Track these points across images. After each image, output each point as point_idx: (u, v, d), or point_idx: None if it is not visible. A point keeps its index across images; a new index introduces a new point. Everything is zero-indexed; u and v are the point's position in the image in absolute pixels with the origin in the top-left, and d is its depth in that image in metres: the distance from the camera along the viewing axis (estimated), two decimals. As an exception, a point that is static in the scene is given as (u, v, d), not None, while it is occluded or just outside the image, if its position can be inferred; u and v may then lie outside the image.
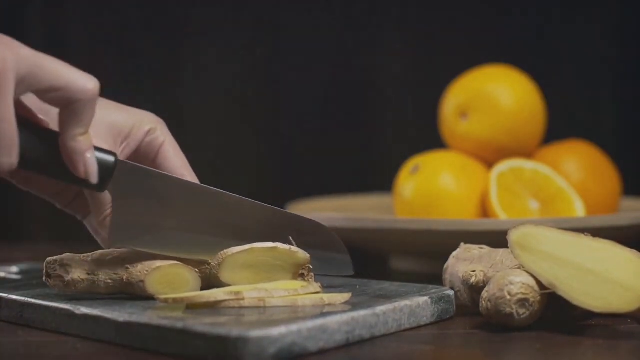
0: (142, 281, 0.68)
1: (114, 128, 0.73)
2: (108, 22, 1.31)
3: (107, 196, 0.70)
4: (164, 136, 0.75)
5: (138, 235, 0.69)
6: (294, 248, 0.70)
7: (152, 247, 0.70)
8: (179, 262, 0.69)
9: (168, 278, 0.68)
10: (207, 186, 0.72)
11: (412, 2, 1.30)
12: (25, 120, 0.65)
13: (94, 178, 0.66)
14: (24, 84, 0.63)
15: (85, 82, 0.64)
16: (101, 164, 0.66)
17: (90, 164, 0.66)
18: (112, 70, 1.30)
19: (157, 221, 0.69)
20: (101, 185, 0.67)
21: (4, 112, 0.62)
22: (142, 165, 0.70)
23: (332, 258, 0.74)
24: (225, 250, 0.69)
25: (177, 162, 0.75)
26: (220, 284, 0.69)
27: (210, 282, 0.70)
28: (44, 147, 0.65)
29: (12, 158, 0.62)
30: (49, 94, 0.63)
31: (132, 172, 0.69)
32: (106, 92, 0.75)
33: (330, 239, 0.74)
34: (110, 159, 0.67)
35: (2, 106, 0.61)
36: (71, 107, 0.64)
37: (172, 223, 0.69)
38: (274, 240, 0.70)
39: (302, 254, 0.70)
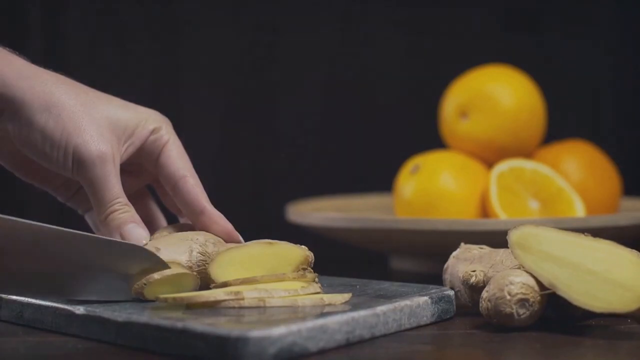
0: (141, 293, 0.67)
1: (117, 126, 0.73)
2: (107, 21, 1.31)
3: (109, 194, 0.71)
4: (168, 135, 0.75)
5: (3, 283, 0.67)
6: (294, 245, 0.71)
7: (17, 293, 0.68)
8: (176, 269, 0.69)
9: (166, 285, 0.68)
10: (48, 226, 0.67)
11: (412, 1, 1.30)
12: None
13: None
14: None
15: None
16: None
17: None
18: (111, 69, 1.30)
19: (15, 267, 0.66)
20: None
21: None
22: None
23: None
24: (218, 249, 0.69)
25: (179, 163, 0.75)
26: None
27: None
28: None
29: None
30: None
31: None
32: (106, 91, 0.76)
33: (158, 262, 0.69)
34: None
35: None
36: None
37: (28, 267, 0.66)
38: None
39: (301, 250, 0.70)
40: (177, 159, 0.75)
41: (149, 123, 0.74)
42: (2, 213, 0.65)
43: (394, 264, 1.00)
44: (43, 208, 1.25)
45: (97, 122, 0.71)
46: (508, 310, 0.65)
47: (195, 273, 0.69)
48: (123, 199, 0.71)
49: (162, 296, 0.66)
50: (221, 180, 1.28)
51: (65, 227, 0.66)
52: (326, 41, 1.31)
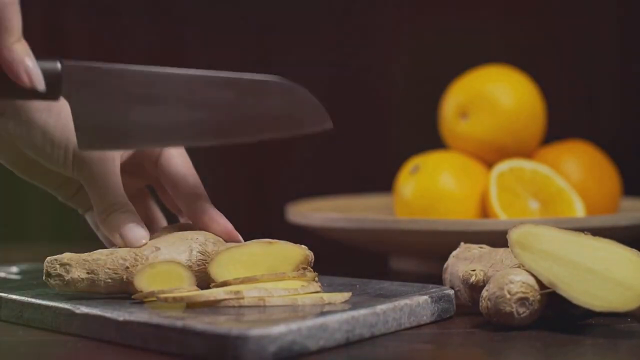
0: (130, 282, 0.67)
1: None
2: (108, 20, 1.31)
3: (109, 193, 0.70)
4: None
5: (105, 134, 0.67)
6: (294, 245, 0.70)
7: (120, 145, 0.68)
8: (172, 260, 0.69)
9: (160, 275, 0.68)
10: (165, 69, 0.68)
11: (412, 1, 1.30)
12: None
13: (40, 84, 0.64)
14: None
15: None
16: (46, 70, 0.64)
17: (32, 69, 0.64)
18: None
19: (121, 117, 0.66)
20: (52, 92, 0.65)
21: None
22: (91, 63, 0.67)
23: (305, 113, 0.70)
24: (218, 248, 0.69)
25: (179, 163, 0.75)
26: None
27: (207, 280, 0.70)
28: None
29: None
30: None
31: (82, 72, 0.66)
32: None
33: (301, 94, 0.70)
34: (55, 64, 0.65)
35: None
36: None
37: (136, 116, 0.67)
38: None
39: (301, 249, 0.70)
40: (176, 158, 0.75)
41: None
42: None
43: (394, 264, 1.00)
44: (43, 207, 1.25)
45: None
46: (508, 309, 0.65)
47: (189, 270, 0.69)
48: (123, 198, 0.71)
49: (162, 295, 0.66)
50: (221, 180, 1.28)
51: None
52: (326, 41, 1.31)
